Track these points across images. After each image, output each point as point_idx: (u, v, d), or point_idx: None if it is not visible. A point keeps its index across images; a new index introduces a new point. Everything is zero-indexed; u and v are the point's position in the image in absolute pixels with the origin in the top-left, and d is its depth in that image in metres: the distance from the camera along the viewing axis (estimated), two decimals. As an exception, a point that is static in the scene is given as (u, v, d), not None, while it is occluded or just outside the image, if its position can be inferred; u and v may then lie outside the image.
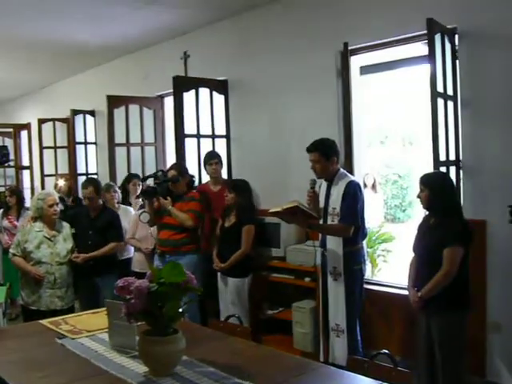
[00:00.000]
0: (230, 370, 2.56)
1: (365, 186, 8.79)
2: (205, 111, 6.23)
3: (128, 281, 2.55)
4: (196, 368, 2.62)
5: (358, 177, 5.21)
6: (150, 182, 5.71)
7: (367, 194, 8.77)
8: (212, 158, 5.80)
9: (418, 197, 3.80)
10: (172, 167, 5.54)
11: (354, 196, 4.18)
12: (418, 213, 12.71)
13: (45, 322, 3.58)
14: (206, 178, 6.08)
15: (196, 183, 5.83)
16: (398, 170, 13.24)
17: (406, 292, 4.80)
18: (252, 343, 3.25)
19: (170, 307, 2.48)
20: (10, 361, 2.83)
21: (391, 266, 7.32)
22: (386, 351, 2.74)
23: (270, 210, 4.29)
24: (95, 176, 8.43)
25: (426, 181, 3.75)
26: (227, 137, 6.32)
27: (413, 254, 3.95)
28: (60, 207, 5.23)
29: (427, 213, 3.89)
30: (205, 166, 5.87)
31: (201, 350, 2.86)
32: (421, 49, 5.01)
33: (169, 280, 2.49)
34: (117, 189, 6.14)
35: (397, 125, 13.87)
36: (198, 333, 3.29)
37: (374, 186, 8.98)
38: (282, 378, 2.52)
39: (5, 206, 6.95)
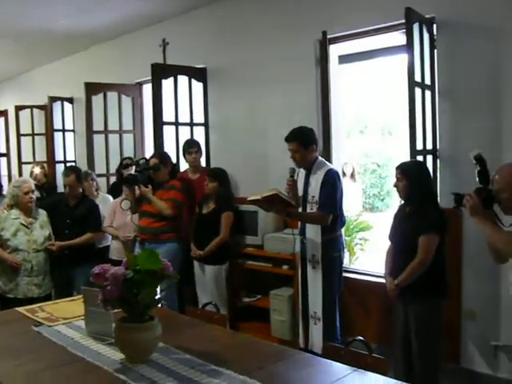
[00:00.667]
0: (206, 357, 2.56)
1: (344, 174, 8.84)
2: (183, 99, 6.19)
3: (104, 268, 2.54)
4: (172, 355, 2.62)
5: (336, 166, 5.22)
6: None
7: (346, 183, 8.82)
8: (191, 147, 5.78)
9: (395, 186, 3.83)
10: (154, 155, 5.51)
11: (332, 184, 4.20)
12: (396, 202, 12.91)
13: (21, 309, 3.55)
14: (184, 166, 6.05)
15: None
16: (376, 160, 13.31)
17: (383, 280, 4.85)
18: (229, 331, 3.27)
19: (145, 294, 2.47)
20: (-15, 349, 2.82)
21: (368, 255, 7.38)
22: (361, 338, 2.76)
23: (249, 198, 4.29)
24: (73, 163, 8.37)
25: (403, 170, 3.78)
26: (205, 125, 6.31)
27: (389, 243, 3.98)
28: (36, 194, 5.18)
29: (403, 202, 3.92)
30: (184, 154, 5.85)
31: (177, 337, 2.86)
32: (399, 38, 5.03)
33: (144, 267, 2.48)
34: (94, 176, 6.10)
35: (376, 114, 13.94)
36: (174, 320, 3.29)
37: (352, 175, 9.02)
38: (258, 364, 2.53)
39: None
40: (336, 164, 5.20)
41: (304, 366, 2.55)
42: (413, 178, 3.72)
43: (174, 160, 5.81)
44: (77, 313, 3.29)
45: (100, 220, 5.45)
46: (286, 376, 2.40)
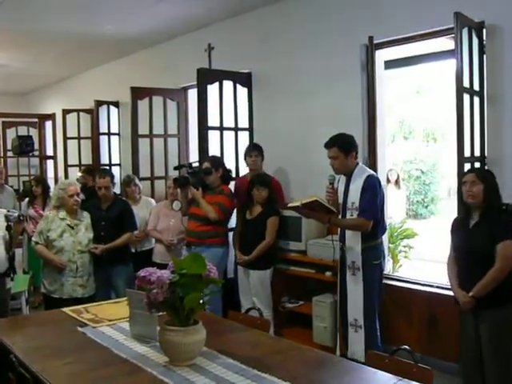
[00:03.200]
0: (249, 362, 2.57)
1: (388, 181, 8.76)
2: (228, 104, 6.22)
3: (149, 271, 2.57)
4: (216, 359, 2.63)
5: (381, 172, 5.19)
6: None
7: (390, 189, 8.74)
8: (252, 150, 5.78)
9: (469, 191, 3.69)
10: (206, 159, 5.54)
11: (373, 190, 4.14)
12: (443, 209, 12.71)
13: (67, 310, 3.62)
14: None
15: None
16: (420, 166, 13.13)
17: (426, 289, 4.82)
18: (272, 336, 3.28)
19: (190, 298, 2.48)
20: (33, 347, 2.87)
21: (413, 262, 7.28)
22: (407, 347, 2.71)
23: (289, 205, 4.28)
24: (118, 167, 8.49)
25: (480, 175, 3.67)
26: (250, 129, 6.32)
27: (450, 253, 3.86)
28: (81, 197, 5.25)
29: (457, 209, 3.82)
30: (245, 157, 5.87)
31: (220, 342, 2.87)
32: (446, 43, 4.96)
33: (190, 271, 2.50)
34: (137, 181, 6.16)
35: (420, 120, 13.77)
36: (218, 324, 3.30)
37: (397, 182, 8.93)
38: (301, 370, 2.52)
39: (30, 195, 7.01)
40: (381, 170, 5.15)
41: (347, 374, 2.53)
42: (490, 183, 3.62)
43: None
44: (120, 314, 3.34)
45: (135, 219, 5.47)
46: (329, 383, 2.37)
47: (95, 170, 6.79)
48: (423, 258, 8.02)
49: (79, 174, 7.99)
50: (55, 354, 2.77)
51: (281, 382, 2.34)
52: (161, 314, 2.69)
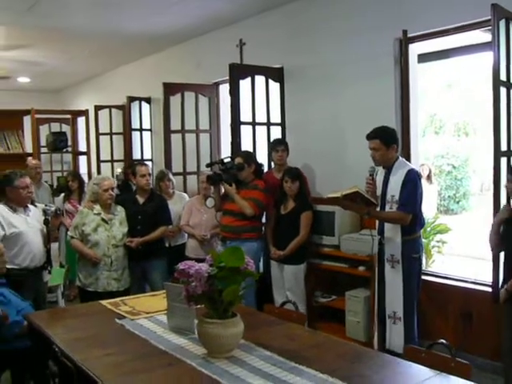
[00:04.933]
0: (286, 355, 2.58)
1: (420, 176, 8.68)
2: (260, 99, 6.23)
3: (188, 264, 2.60)
4: (253, 351, 2.66)
5: (415, 166, 5.15)
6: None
7: (423, 184, 8.65)
8: (278, 145, 5.80)
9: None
10: (238, 154, 5.56)
11: (414, 184, 4.13)
12: (474, 205, 12.56)
13: (104, 302, 3.68)
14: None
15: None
16: (452, 161, 12.98)
17: (462, 284, 4.79)
18: (307, 329, 3.28)
19: (229, 291, 2.51)
20: (74, 338, 2.93)
21: (445, 258, 7.22)
22: (444, 341, 2.70)
23: (328, 195, 4.27)
24: (150, 163, 8.57)
25: None
26: (282, 124, 6.32)
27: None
28: (116, 192, 5.31)
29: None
30: (271, 152, 5.89)
31: (257, 335, 2.89)
32: (480, 36, 4.90)
33: (229, 264, 2.53)
34: (171, 176, 6.21)
35: (452, 114, 13.61)
36: (254, 318, 3.31)
37: (429, 177, 8.84)
38: (338, 363, 2.53)
39: (66, 190, 7.12)
40: (414, 164, 5.11)
41: (384, 367, 2.53)
42: None
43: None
44: (157, 307, 3.39)
45: (170, 214, 5.52)
46: (367, 376, 2.38)
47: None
48: (455, 254, 7.95)
49: (119, 170, 8.09)
50: (95, 344, 2.82)
51: (318, 374, 2.36)
52: (198, 306, 2.72)
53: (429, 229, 6.74)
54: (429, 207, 7.96)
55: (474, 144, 13.16)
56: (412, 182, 4.13)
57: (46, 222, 4.67)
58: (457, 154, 13.09)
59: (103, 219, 4.98)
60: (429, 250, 6.57)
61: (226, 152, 7.22)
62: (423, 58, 5.52)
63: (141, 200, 5.32)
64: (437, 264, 6.67)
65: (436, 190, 9.60)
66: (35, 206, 4.83)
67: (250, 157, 5.49)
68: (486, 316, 4.43)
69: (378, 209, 4.27)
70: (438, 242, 7.03)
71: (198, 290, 2.52)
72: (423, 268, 4.79)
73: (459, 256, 7.95)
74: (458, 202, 13.01)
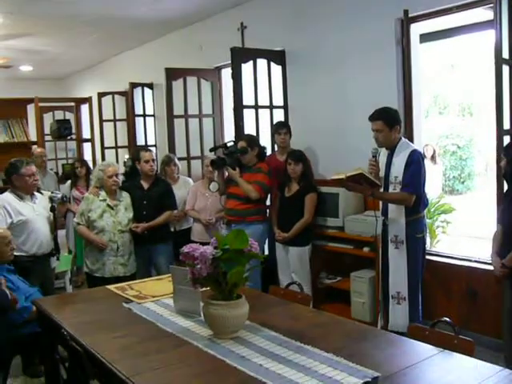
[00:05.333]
0: (291, 335, 2.62)
1: (424, 156, 8.67)
2: (262, 82, 6.23)
3: (193, 247, 2.63)
4: (258, 332, 2.70)
5: (417, 147, 5.15)
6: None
7: (427, 165, 8.65)
8: (281, 128, 5.81)
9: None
10: (241, 138, 5.57)
11: (417, 165, 4.14)
12: (479, 185, 12.55)
13: (111, 287, 3.73)
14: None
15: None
16: (456, 141, 12.96)
17: (465, 263, 4.81)
18: (312, 310, 3.31)
19: (233, 273, 2.54)
20: (82, 322, 2.98)
21: (450, 238, 7.23)
22: (447, 319, 2.73)
23: (333, 177, 4.28)
24: (154, 148, 8.59)
25: None
26: (285, 107, 6.33)
27: (497, 226, 3.90)
28: (122, 178, 5.33)
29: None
30: (273, 135, 5.90)
31: (262, 316, 2.93)
32: (482, 14, 4.87)
33: (233, 246, 2.56)
34: (177, 161, 6.23)
35: (456, 94, 13.55)
36: (259, 299, 3.35)
37: (433, 157, 8.84)
38: (343, 342, 2.56)
39: (73, 176, 7.16)
40: (416, 145, 5.11)
41: (389, 346, 2.56)
42: None
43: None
44: (164, 291, 3.43)
45: (175, 199, 5.54)
46: (372, 354, 2.41)
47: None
48: (460, 234, 7.96)
49: (126, 156, 8.10)
50: (103, 328, 2.87)
51: (323, 353, 2.39)
52: (204, 289, 2.76)
53: (433, 209, 6.75)
54: (433, 187, 7.98)
55: (479, 123, 13.12)
56: (415, 162, 4.13)
57: (52, 209, 4.72)
58: (461, 134, 13.06)
59: (109, 205, 5.00)
60: (433, 230, 6.59)
61: (229, 136, 7.23)
62: (426, 37, 5.51)
63: (145, 185, 5.34)
64: (441, 244, 6.69)
65: (440, 171, 9.59)
66: (41, 193, 4.87)
67: (253, 140, 5.50)
68: (490, 294, 4.46)
69: (382, 190, 4.28)
70: (442, 222, 7.04)
71: (203, 272, 2.55)
72: (427, 248, 4.83)
73: (464, 236, 7.96)
74: (463, 183, 13.01)
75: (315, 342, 2.51)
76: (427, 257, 4.74)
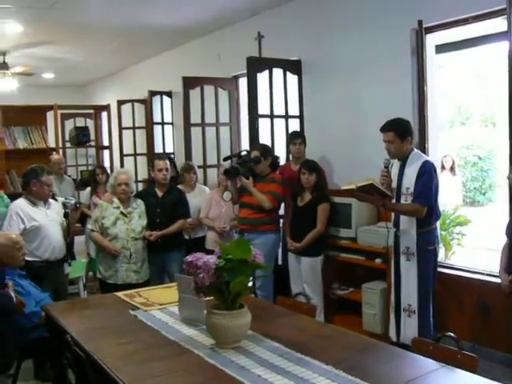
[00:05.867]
0: (293, 346, 2.62)
1: (443, 168, 8.60)
2: (278, 91, 6.24)
3: (196, 256, 2.65)
4: (260, 342, 2.70)
5: (432, 158, 5.11)
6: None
7: (446, 176, 8.58)
8: (296, 138, 5.82)
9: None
10: (255, 148, 5.58)
11: (429, 176, 4.10)
12: (500, 196, 12.40)
13: (120, 294, 3.76)
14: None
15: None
16: (478, 152, 12.83)
17: (479, 277, 4.76)
18: (317, 321, 3.32)
19: (236, 283, 2.54)
20: (87, 328, 3.01)
21: (466, 250, 7.16)
22: (451, 334, 2.71)
23: (343, 187, 4.27)
24: (172, 156, 8.65)
25: None
26: (300, 117, 6.33)
27: (505, 239, 3.86)
28: (132, 188, 5.29)
29: None
30: (288, 145, 5.90)
31: (267, 326, 2.93)
32: (503, 24, 4.82)
33: (236, 256, 2.56)
34: (196, 169, 6.26)
35: (479, 105, 13.42)
36: (265, 309, 3.35)
37: (452, 168, 8.76)
38: (344, 355, 2.55)
39: (93, 183, 7.22)
40: (432, 156, 5.08)
41: (390, 359, 2.54)
42: None
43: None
44: (171, 299, 3.43)
45: (189, 207, 5.56)
46: (371, 367, 2.40)
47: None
48: (479, 246, 7.87)
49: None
50: (108, 334, 2.90)
51: (323, 365, 2.39)
52: (209, 298, 2.77)
53: (448, 221, 6.69)
54: (452, 199, 7.93)
55: (501, 134, 12.97)
56: (427, 173, 4.10)
57: (65, 215, 4.76)
58: (482, 145, 12.93)
59: (122, 212, 5.03)
60: (448, 242, 6.53)
61: (246, 145, 7.23)
62: (444, 48, 5.46)
63: (160, 193, 5.37)
64: (457, 256, 6.62)
65: (460, 182, 9.51)
66: (56, 200, 4.92)
67: (267, 150, 5.51)
68: (502, 309, 4.39)
69: (394, 201, 4.26)
70: (457, 234, 6.98)
71: (205, 281, 2.57)
72: (441, 260, 4.79)
73: (482, 248, 7.87)
74: (484, 194, 12.87)
75: (316, 354, 2.51)
76: (440, 269, 4.70)
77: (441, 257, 5.58)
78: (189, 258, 2.67)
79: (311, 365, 2.40)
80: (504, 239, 3.95)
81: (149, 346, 2.73)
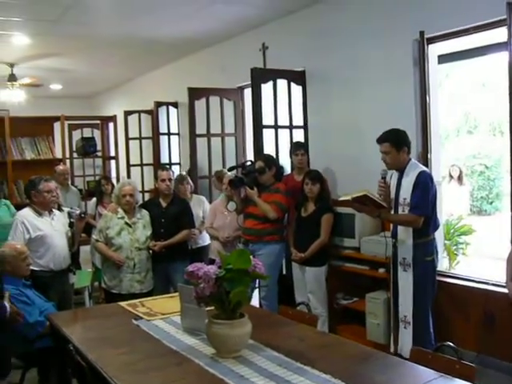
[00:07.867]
0: (293, 356, 2.64)
1: (451, 177, 8.59)
2: (283, 102, 6.27)
3: (197, 266, 2.68)
4: (261, 352, 2.72)
5: (436, 168, 5.13)
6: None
7: (453, 186, 8.57)
8: (298, 149, 5.84)
9: None
10: (259, 158, 5.61)
11: (425, 186, 4.11)
12: (507, 205, 12.35)
13: (123, 304, 3.79)
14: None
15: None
16: (485, 161, 12.80)
17: (484, 286, 4.74)
18: (318, 330, 3.32)
19: (236, 292, 2.57)
20: (90, 338, 3.04)
21: (471, 260, 7.14)
22: (450, 344, 2.72)
23: (340, 199, 4.31)
24: (178, 166, 8.69)
25: None
26: (305, 127, 6.35)
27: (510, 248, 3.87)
28: (137, 199, 5.33)
29: None
30: (291, 155, 5.94)
31: (268, 336, 2.95)
32: (505, 34, 4.83)
33: (236, 266, 2.59)
34: (189, 180, 6.30)
35: (486, 113, 13.40)
36: (267, 319, 3.38)
37: (459, 178, 8.74)
38: (343, 364, 2.57)
39: (98, 193, 7.27)
40: (435, 166, 5.09)
41: (389, 369, 2.55)
42: None
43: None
44: (174, 308, 3.47)
45: (193, 217, 5.59)
46: (370, 377, 2.42)
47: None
48: (484, 255, 7.85)
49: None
50: (110, 344, 2.93)
51: (322, 374, 2.41)
52: (210, 308, 2.79)
53: (452, 230, 6.68)
54: (460, 208, 7.92)
55: (507, 143, 12.91)
56: (423, 183, 4.11)
57: (70, 225, 4.80)
58: (489, 154, 12.90)
59: (127, 223, 5.07)
60: (451, 251, 6.52)
61: (251, 155, 7.28)
62: (447, 58, 5.48)
63: (164, 204, 5.41)
64: (462, 266, 6.61)
65: (467, 191, 9.49)
66: (61, 210, 4.97)
67: (271, 160, 5.54)
68: (509, 319, 4.39)
69: (392, 212, 4.27)
70: (461, 243, 6.96)
71: (206, 291, 2.60)
72: (445, 270, 4.78)
73: (488, 257, 7.85)
74: (491, 203, 12.83)
75: (315, 363, 2.53)
76: (445, 279, 4.71)
77: (445, 266, 5.57)
78: (189, 267, 2.70)
79: (310, 374, 2.42)
80: (509, 248, 3.95)
81: (150, 355, 2.75)
